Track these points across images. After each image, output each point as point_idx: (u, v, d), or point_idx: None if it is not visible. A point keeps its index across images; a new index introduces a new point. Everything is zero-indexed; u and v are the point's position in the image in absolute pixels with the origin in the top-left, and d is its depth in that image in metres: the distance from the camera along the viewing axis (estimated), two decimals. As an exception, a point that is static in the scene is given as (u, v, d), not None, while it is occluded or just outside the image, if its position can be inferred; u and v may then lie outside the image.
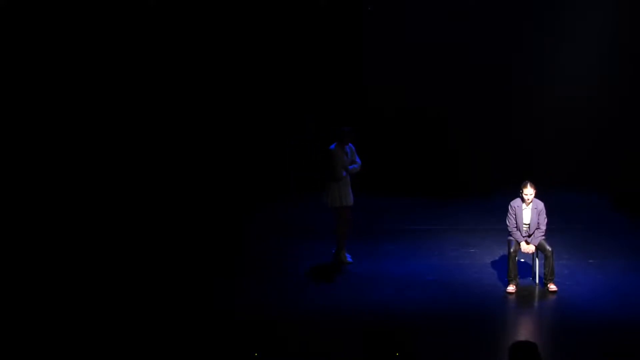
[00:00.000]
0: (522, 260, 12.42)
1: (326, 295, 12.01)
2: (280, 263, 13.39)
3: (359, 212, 15.35)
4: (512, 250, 12.04)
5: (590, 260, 13.39)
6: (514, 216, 12.10)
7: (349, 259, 13.32)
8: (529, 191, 12.03)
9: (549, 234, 12.29)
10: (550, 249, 12.04)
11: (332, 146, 12.98)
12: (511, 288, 12.01)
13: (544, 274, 12.09)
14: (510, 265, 12.03)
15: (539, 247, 12.12)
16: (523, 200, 12.05)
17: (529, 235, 12.12)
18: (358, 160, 13.12)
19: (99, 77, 17.57)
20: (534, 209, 12.07)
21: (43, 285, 12.30)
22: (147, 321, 10.99)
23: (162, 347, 10.16)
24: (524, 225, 12.10)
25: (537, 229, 12.07)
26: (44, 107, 17.08)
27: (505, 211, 12.22)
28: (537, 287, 12.25)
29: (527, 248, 12.10)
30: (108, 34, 17.55)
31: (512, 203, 12.17)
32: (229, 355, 9.87)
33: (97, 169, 17.18)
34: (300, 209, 16.41)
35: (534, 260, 12.38)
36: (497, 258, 13.25)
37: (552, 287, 12.01)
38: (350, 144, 13.08)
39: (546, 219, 12.11)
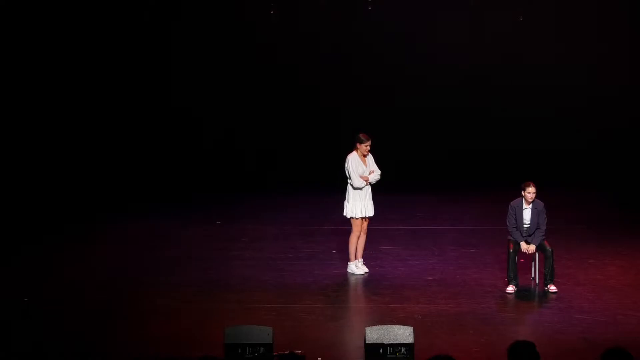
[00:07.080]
0: (522, 260, 12.42)
1: (326, 295, 12.00)
2: (281, 265, 13.40)
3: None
4: (512, 250, 12.04)
5: (591, 260, 13.38)
6: (514, 216, 12.10)
7: (363, 269, 12.81)
8: (531, 190, 12.02)
9: (549, 234, 12.29)
10: (550, 249, 12.04)
11: (351, 153, 12.53)
12: (511, 288, 12.01)
13: (544, 274, 12.09)
14: (510, 265, 12.03)
15: (539, 247, 12.11)
16: (525, 199, 12.05)
17: (529, 235, 12.12)
18: (377, 169, 12.54)
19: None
20: (534, 209, 12.06)
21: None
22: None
23: None
24: (524, 226, 12.10)
25: (537, 229, 12.07)
26: None
27: (505, 211, 12.21)
28: (537, 287, 12.26)
29: (527, 248, 12.09)
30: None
31: (512, 203, 12.17)
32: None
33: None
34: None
35: (534, 260, 12.38)
36: (497, 258, 13.24)
37: (552, 287, 12.00)
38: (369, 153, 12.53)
39: (546, 219, 12.11)
